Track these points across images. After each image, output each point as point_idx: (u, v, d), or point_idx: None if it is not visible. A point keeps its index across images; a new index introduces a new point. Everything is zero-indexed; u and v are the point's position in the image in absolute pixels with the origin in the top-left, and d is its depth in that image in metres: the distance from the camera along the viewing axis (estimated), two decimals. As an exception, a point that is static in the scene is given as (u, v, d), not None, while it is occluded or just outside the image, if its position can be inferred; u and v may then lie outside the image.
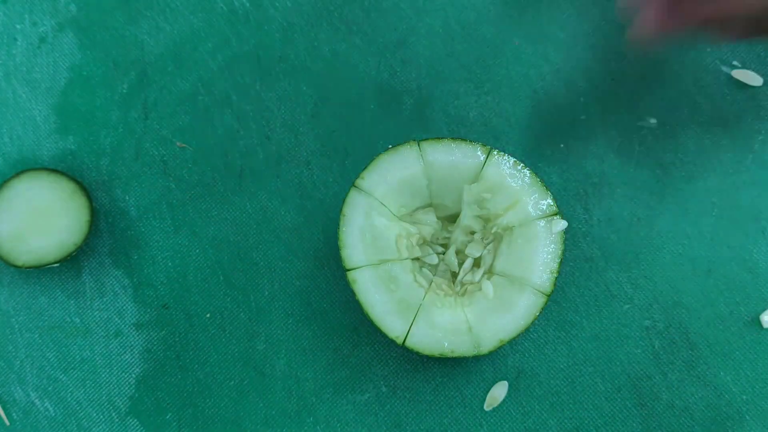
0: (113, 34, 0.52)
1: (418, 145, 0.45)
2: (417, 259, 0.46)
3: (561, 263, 0.44)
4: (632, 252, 0.50)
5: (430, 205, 0.46)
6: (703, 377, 0.50)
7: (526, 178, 0.44)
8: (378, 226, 0.44)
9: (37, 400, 0.50)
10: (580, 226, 0.50)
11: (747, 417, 0.49)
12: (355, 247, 0.44)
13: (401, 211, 0.45)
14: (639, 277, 0.50)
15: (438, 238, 0.46)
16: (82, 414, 0.50)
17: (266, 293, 0.50)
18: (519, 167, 0.44)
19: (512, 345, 0.49)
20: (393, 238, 0.45)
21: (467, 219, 0.46)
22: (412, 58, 0.52)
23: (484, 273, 0.45)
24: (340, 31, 0.52)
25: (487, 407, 0.49)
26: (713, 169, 0.50)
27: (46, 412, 0.50)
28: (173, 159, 0.51)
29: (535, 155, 0.50)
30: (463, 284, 0.46)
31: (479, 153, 0.44)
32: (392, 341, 0.44)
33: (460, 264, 0.46)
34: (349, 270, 0.44)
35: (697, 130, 0.51)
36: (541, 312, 0.44)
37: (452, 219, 0.47)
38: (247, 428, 0.50)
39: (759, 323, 0.50)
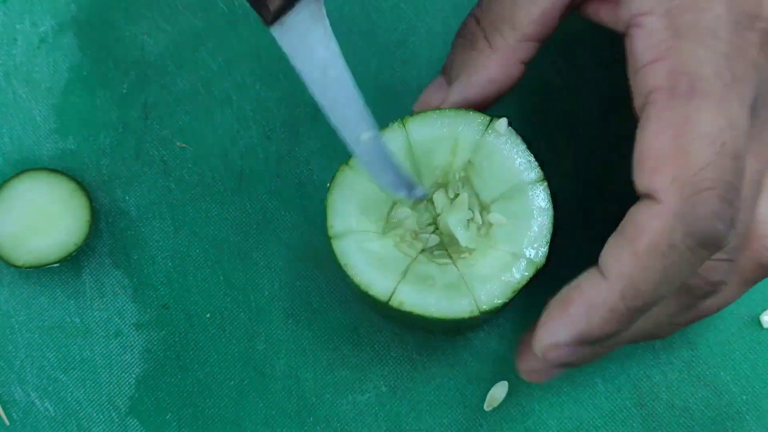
0: (113, 34, 0.52)
1: (347, 164, 0.44)
2: (423, 250, 0.45)
3: (532, 154, 0.43)
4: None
5: (396, 203, 0.45)
6: (703, 377, 0.50)
7: (451, 115, 0.44)
8: (377, 250, 0.44)
9: (37, 400, 0.50)
10: (571, 229, 0.50)
11: (747, 417, 0.49)
12: (369, 274, 0.43)
13: (380, 225, 0.45)
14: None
15: (424, 222, 0.45)
16: (82, 414, 0.50)
17: (266, 293, 0.50)
18: (438, 114, 0.44)
19: (512, 345, 0.49)
20: (395, 250, 0.44)
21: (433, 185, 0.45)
22: (412, 58, 0.52)
23: (481, 210, 0.45)
24: (340, 31, 0.52)
25: (487, 407, 0.49)
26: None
27: (46, 412, 0.50)
28: (173, 159, 0.51)
29: (534, 155, 0.50)
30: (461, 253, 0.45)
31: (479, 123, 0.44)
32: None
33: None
34: (388, 303, 0.43)
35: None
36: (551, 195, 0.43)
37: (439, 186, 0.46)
38: (247, 428, 0.50)
39: (759, 323, 0.50)
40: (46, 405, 0.50)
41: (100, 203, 0.51)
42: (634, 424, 0.50)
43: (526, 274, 0.43)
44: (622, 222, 0.38)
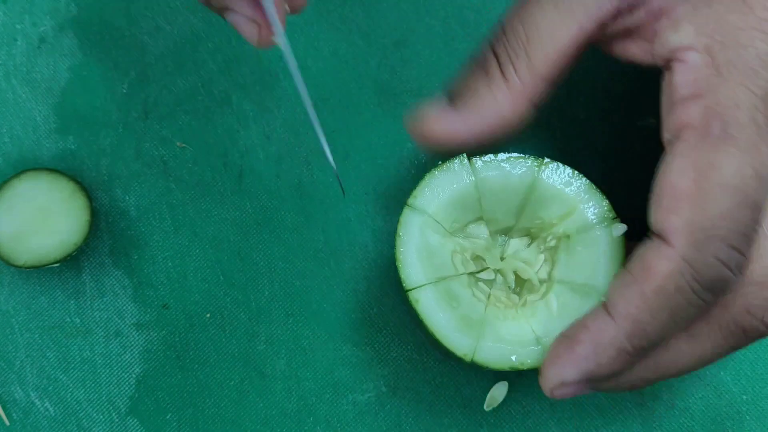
0: (113, 34, 0.52)
1: (469, 160, 0.44)
2: (472, 273, 0.45)
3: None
4: (632, 252, 0.50)
5: (481, 219, 0.45)
6: (703, 377, 0.50)
7: (582, 186, 0.43)
8: (433, 243, 0.44)
9: (37, 400, 0.50)
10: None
11: (747, 417, 0.49)
12: (413, 266, 0.43)
13: (454, 227, 0.45)
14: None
15: (491, 253, 0.45)
16: (82, 414, 0.50)
17: (266, 293, 0.50)
18: (574, 175, 0.43)
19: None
20: (448, 255, 0.44)
21: (521, 231, 0.45)
22: (412, 58, 0.52)
23: (544, 283, 0.44)
24: (340, 31, 0.52)
25: (487, 407, 0.49)
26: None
27: (46, 412, 0.50)
28: (173, 159, 0.51)
29: (534, 155, 0.50)
30: (522, 296, 0.45)
31: (532, 164, 0.43)
32: (458, 358, 0.42)
33: (518, 277, 0.45)
34: (409, 290, 0.43)
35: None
36: None
37: (504, 232, 0.46)
38: (247, 428, 0.50)
39: (759, 323, 0.50)
40: (46, 405, 0.50)
41: (100, 203, 0.51)
42: (634, 424, 0.50)
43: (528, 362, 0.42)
44: (630, 260, 0.38)
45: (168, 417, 0.50)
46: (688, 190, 0.36)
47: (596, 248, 0.42)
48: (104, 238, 0.51)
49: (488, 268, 0.45)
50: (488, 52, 0.42)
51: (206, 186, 0.51)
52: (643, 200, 0.51)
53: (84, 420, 0.50)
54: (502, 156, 0.44)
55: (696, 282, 0.36)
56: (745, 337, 0.40)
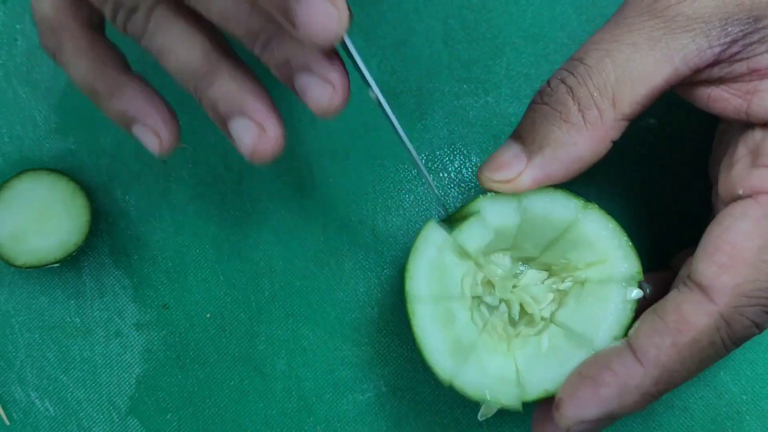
0: (113, 34, 0.52)
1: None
2: (477, 297, 0.45)
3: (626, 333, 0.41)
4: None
5: (508, 249, 0.45)
6: (703, 377, 0.50)
7: (619, 240, 0.42)
8: (447, 263, 0.43)
9: (37, 400, 0.50)
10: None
11: (747, 417, 0.49)
12: (420, 280, 0.42)
13: (476, 252, 0.44)
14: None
15: (504, 283, 0.44)
16: (82, 414, 0.50)
17: (266, 293, 0.50)
18: (614, 227, 0.42)
19: (512, 345, 0.49)
20: (459, 276, 0.43)
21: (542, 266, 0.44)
22: (412, 58, 0.52)
23: (544, 321, 0.44)
24: (340, 31, 0.52)
25: (481, 417, 0.49)
26: (713, 169, 0.50)
27: (46, 412, 0.50)
28: (173, 159, 0.51)
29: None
30: (518, 327, 0.44)
31: (576, 205, 0.42)
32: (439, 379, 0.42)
33: (521, 309, 0.45)
34: (409, 302, 0.43)
35: (697, 130, 0.51)
36: None
37: (525, 261, 0.45)
38: (247, 428, 0.50)
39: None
40: (46, 405, 0.50)
41: (100, 203, 0.51)
42: (634, 424, 0.50)
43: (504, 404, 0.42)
44: (664, 305, 0.38)
45: (168, 417, 0.50)
46: (749, 255, 0.37)
47: (607, 304, 0.42)
48: (104, 238, 0.51)
49: (494, 295, 0.45)
50: (565, 92, 0.39)
51: (206, 186, 0.51)
52: (645, 199, 0.51)
53: (84, 420, 0.50)
54: (550, 191, 0.42)
55: (729, 339, 0.37)
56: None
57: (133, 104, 0.40)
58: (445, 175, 0.51)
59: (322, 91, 0.37)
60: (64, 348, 0.50)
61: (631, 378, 0.38)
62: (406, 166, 0.51)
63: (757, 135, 0.38)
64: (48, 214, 0.48)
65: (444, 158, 0.51)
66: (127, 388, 0.50)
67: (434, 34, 0.52)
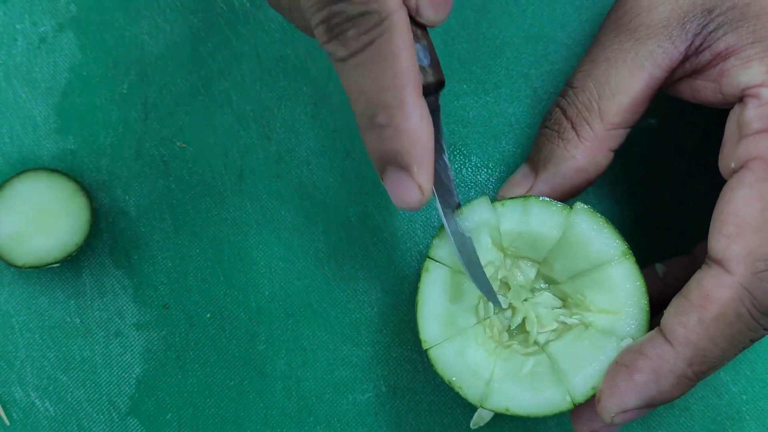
0: (113, 34, 0.52)
1: (570, 208, 0.43)
2: (498, 280, 0.44)
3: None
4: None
5: (538, 262, 0.44)
6: (703, 377, 0.50)
7: (639, 300, 0.42)
8: (482, 243, 0.43)
9: (37, 400, 0.50)
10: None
11: (747, 417, 0.49)
12: (441, 248, 0.43)
13: (510, 250, 0.44)
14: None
15: (519, 291, 0.44)
16: (82, 414, 0.50)
17: (266, 293, 0.50)
18: (641, 286, 0.42)
19: (512, 345, 0.49)
20: (486, 259, 0.43)
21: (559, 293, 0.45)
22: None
23: (536, 346, 0.44)
24: (340, 31, 0.52)
25: (473, 425, 0.49)
26: (713, 170, 0.50)
27: (46, 412, 0.50)
28: (173, 159, 0.51)
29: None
30: (511, 340, 0.44)
31: (620, 247, 0.42)
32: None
33: (521, 324, 0.45)
34: (430, 257, 0.43)
35: (696, 130, 0.51)
36: (555, 415, 0.42)
37: (547, 281, 0.45)
38: (247, 428, 0.50)
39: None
40: (46, 405, 0.50)
41: (100, 203, 0.51)
42: (634, 424, 0.50)
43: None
44: (687, 286, 0.39)
45: (168, 417, 0.50)
46: (752, 220, 0.37)
47: (598, 354, 0.42)
48: (104, 238, 0.51)
49: (506, 296, 0.45)
50: (558, 113, 0.44)
51: (206, 186, 0.51)
52: (644, 199, 0.51)
53: (84, 420, 0.50)
54: (600, 221, 0.42)
55: (755, 308, 0.37)
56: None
57: (413, 144, 0.37)
58: (445, 175, 0.51)
59: (410, 192, 0.38)
60: (64, 348, 0.50)
61: (664, 361, 0.38)
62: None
63: (737, 110, 0.40)
64: (48, 214, 0.48)
65: (444, 158, 0.51)
66: (127, 388, 0.50)
67: (434, 34, 0.52)
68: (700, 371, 0.39)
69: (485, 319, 0.44)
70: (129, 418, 0.50)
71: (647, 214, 0.50)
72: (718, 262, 0.38)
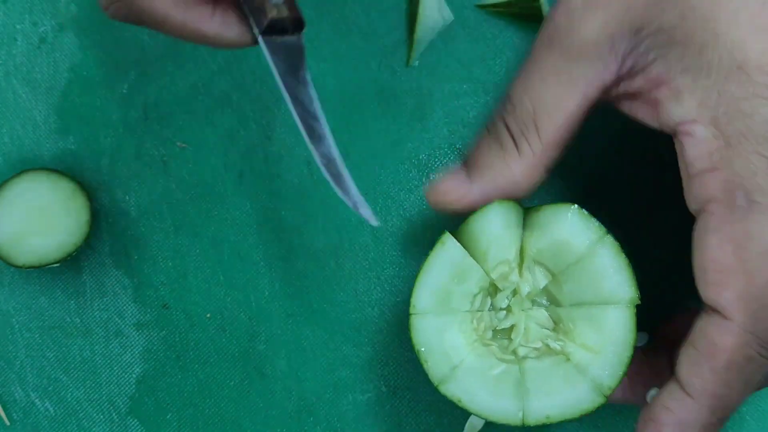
0: (113, 34, 0.52)
1: (606, 232, 0.43)
2: (493, 284, 0.44)
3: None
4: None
5: (552, 275, 0.44)
6: (703, 377, 0.50)
7: (623, 352, 0.42)
8: (511, 226, 0.43)
9: (37, 400, 0.50)
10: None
11: (747, 417, 0.49)
12: (477, 221, 0.43)
13: (529, 254, 0.44)
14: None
15: (522, 299, 0.44)
16: (82, 414, 0.50)
17: (266, 293, 0.50)
18: (631, 340, 0.42)
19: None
20: (509, 244, 0.43)
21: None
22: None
23: (514, 355, 0.44)
24: (340, 31, 0.52)
25: None
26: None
27: (46, 412, 0.50)
28: (173, 159, 0.51)
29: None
30: (494, 340, 0.44)
31: (625, 294, 0.42)
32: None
33: (508, 330, 0.44)
34: (452, 233, 0.43)
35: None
36: (499, 425, 0.42)
37: (551, 301, 0.45)
38: (247, 428, 0.50)
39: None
40: (46, 405, 0.50)
41: (100, 203, 0.51)
42: (635, 424, 0.49)
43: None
44: (693, 335, 0.39)
45: (168, 417, 0.50)
46: (730, 264, 0.37)
47: (568, 388, 0.42)
48: (104, 238, 0.51)
49: (508, 295, 0.44)
50: (501, 124, 0.43)
51: (206, 186, 0.51)
52: (644, 199, 0.51)
53: (84, 420, 0.50)
54: (625, 264, 0.42)
55: (762, 348, 0.38)
56: None
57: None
58: (445, 175, 0.51)
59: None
60: (64, 348, 0.50)
61: (687, 414, 0.39)
62: (405, 166, 0.51)
63: (677, 146, 0.40)
64: (48, 214, 0.48)
65: (444, 158, 0.51)
66: (127, 388, 0.50)
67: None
68: (724, 416, 0.39)
69: (477, 311, 0.44)
70: (129, 418, 0.50)
71: (646, 215, 0.50)
72: (716, 311, 0.38)
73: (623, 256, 0.42)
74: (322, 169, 0.42)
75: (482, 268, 0.43)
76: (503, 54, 0.51)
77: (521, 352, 0.43)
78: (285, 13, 0.40)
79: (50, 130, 0.51)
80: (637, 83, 0.40)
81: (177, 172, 0.51)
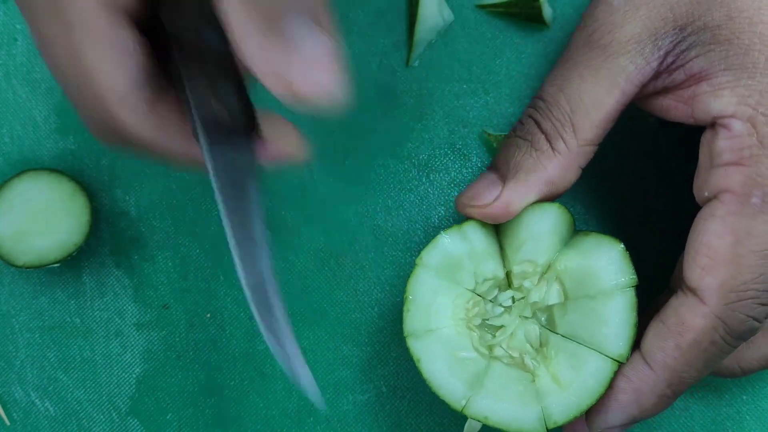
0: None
1: (636, 281, 0.42)
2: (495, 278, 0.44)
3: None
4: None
5: (566, 297, 0.43)
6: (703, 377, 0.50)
7: (584, 397, 0.42)
8: (476, 251, 0.43)
9: (37, 400, 0.50)
10: (579, 225, 0.50)
11: (747, 417, 0.49)
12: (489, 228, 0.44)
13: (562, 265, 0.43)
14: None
15: (526, 303, 0.44)
16: (82, 414, 0.50)
17: (266, 293, 0.50)
18: (599, 390, 0.42)
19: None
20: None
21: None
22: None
23: (489, 350, 0.44)
24: (340, 31, 0.52)
25: None
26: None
27: (47, 412, 0.50)
28: (173, 159, 0.51)
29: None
30: (483, 341, 0.44)
31: (617, 348, 0.42)
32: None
33: (493, 326, 0.44)
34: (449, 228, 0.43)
35: (697, 130, 0.51)
36: (440, 401, 0.43)
37: (549, 320, 0.44)
38: (247, 428, 0.50)
39: (759, 323, 0.50)
40: (46, 405, 0.50)
41: (100, 203, 0.51)
42: (635, 425, 0.50)
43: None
44: (665, 311, 0.41)
45: (168, 417, 0.50)
46: (724, 253, 0.39)
47: (519, 404, 0.42)
48: (104, 238, 0.51)
49: (513, 293, 0.44)
50: (532, 124, 0.43)
51: (206, 186, 0.51)
52: (644, 199, 0.51)
53: (84, 420, 0.50)
54: (631, 316, 0.42)
55: (728, 335, 0.39)
56: None
57: None
58: (446, 175, 0.51)
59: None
60: (64, 348, 0.50)
61: (644, 383, 0.41)
62: (405, 166, 0.51)
63: (708, 136, 0.41)
64: (48, 214, 0.48)
65: (444, 158, 0.51)
66: (127, 388, 0.50)
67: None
68: (679, 390, 0.41)
69: (478, 294, 0.44)
70: (129, 418, 0.50)
71: (645, 214, 0.50)
72: (693, 292, 0.39)
73: (635, 314, 0.42)
74: (248, 298, 0.37)
75: (509, 257, 0.43)
76: (503, 54, 0.51)
77: (497, 352, 0.44)
78: (234, 112, 0.34)
79: (50, 130, 0.51)
80: (677, 78, 0.41)
81: (177, 172, 0.51)
